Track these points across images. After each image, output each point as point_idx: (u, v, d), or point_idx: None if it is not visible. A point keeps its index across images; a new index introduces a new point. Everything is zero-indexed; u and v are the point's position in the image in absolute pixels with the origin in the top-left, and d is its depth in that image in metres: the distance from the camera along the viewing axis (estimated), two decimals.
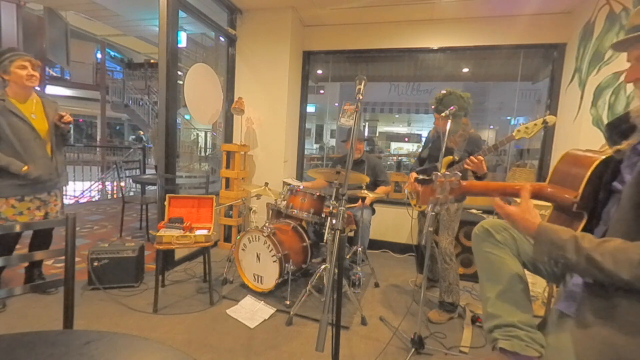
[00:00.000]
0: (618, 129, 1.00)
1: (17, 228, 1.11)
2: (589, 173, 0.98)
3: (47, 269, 2.74)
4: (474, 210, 3.33)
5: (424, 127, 13.41)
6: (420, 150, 2.72)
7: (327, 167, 3.61)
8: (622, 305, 0.81)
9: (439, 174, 1.13)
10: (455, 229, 2.27)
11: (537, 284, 2.41)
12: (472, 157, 1.99)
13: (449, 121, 1.93)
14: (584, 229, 0.98)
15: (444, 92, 2.23)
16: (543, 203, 1.13)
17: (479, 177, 2.15)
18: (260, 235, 2.39)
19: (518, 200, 1.03)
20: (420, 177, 1.26)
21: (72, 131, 2.41)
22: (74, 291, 1.07)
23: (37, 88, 2.22)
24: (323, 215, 2.56)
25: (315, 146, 11.60)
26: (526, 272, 1.19)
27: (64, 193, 2.42)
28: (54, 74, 11.15)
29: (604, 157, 0.99)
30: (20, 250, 3.07)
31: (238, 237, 2.57)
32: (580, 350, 0.84)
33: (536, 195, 1.06)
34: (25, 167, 2.04)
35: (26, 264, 2.40)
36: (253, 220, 3.20)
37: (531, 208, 0.99)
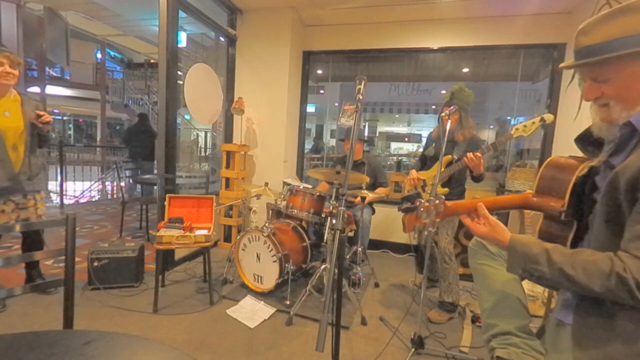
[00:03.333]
0: (588, 140, 1.01)
1: (17, 228, 1.11)
2: (572, 182, 0.97)
3: (47, 269, 2.74)
4: None
5: (424, 127, 13.40)
6: (421, 150, 2.71)
7: (327, 167, 3.61)
8: (617, 313, 0.81)
9: (422, 200, 1.14)
10: (455, 229, 2.27)
11: (537, 284, 2.41)
12: (470, 154, 2.01)
13: (449, 121, 1.93)
14: (575, 236, 0.98)
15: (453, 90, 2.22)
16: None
17: (475, 177, 2.15)
18: (260, 235, 2.39)
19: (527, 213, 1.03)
20: (404, 206, 1.26)
21: (52, 132, 2.37)
22: (74, 291, 1.07)
23: (38, 88, 2.17)
24: (323, 215, 2.56)
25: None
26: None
27: (42, 196, 2.22)
28: (54, 74, 11.13)
29: (584, 171, 0.98)
30: (17, 251, 3.07)
31: (238, 237, 2.57)
32: (578, 358, 0.84)
33: (523, 205, 1.06)
34: None
35: (24, 265, 2.37)
36: (253, 220, 3.20)
37: (497, 224, 0.99)
